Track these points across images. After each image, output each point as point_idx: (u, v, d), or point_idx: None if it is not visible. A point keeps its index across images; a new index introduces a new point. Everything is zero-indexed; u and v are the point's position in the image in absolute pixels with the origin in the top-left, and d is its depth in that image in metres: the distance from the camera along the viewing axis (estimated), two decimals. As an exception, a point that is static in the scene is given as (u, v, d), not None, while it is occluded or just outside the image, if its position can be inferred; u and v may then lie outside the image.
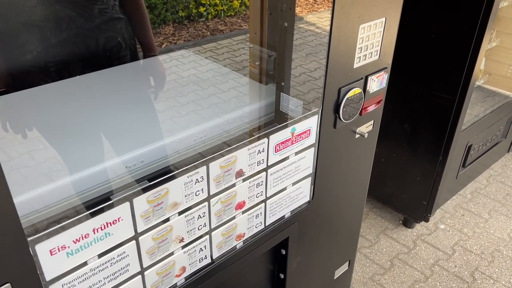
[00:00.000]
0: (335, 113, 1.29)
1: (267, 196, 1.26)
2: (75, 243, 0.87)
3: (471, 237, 2.59)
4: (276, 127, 1.18)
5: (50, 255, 0.84)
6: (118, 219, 0.93)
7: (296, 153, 1.27)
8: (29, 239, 0.79)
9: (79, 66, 1.15)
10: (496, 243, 2.54)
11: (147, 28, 1.35)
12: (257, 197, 1.23)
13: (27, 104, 1.13)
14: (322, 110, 1.25)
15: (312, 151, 1.31)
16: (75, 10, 1.10)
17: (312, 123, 1.25)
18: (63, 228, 0.84)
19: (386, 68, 1.37)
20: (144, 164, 1.18)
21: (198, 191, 1.07)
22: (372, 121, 1.46)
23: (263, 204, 1.26)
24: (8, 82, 1.07)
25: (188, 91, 1.60)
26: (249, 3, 1.59)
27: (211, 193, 1.10)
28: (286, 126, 1.20)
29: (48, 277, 0.86)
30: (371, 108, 1.40)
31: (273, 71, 1.48)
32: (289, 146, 1.23)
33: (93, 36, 1.17)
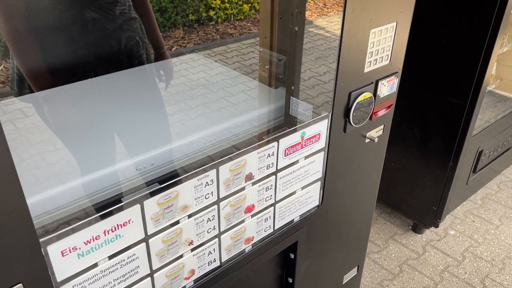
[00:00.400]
0: (345, 118, 1.29)
1: (276, 200, 1.26)
2: (86, 244, 0.88)
3: (482, 243, 2.56)
4: (286, 131, 1.18)
5: (61, 256, 0.85)
6: (129, 221, 0.94)
7: (306, 157, 1.27)
8: (41, 240, 0.80)
9: (105, 66, 1.21)
10: (507, 250, 2.51)
11: (155, 26, 1.39)
12: (266, 200, 1.23)
13: (46, 104, 1.15)
14: (332, 114, 1.25)
15: (321, 155, 1.31)
16: (99, 13, 1.15)
17: (322, 127, 1.25)
18: (75, 230, 0.85)
19: (396, 72, 1.37)
20: (154, 166, 1.19)
21: (208, 194, 1.07)
22: (382, 125, 1.45)
23: (272, 207, 1.26)
24: (45, 84, 1.13)
25: (198, 94, 1.61)
26: (259, 7, 1.60)
27: (220, 196, 1.10)
28: (296, 130, 1.20)
29: (59, 278, 0.86)
30: (381, 112, 1.39)
31: (283, 75, 1.48)
32: (298, 150, 1.23)
33: (116, 36, 1.22)
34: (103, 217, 0.90)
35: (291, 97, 1.40)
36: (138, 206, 0.94)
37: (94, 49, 1.18)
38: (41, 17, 1.08)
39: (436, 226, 2.49)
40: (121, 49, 1.23)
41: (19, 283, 0.79)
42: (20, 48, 1.11)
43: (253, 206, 1.20)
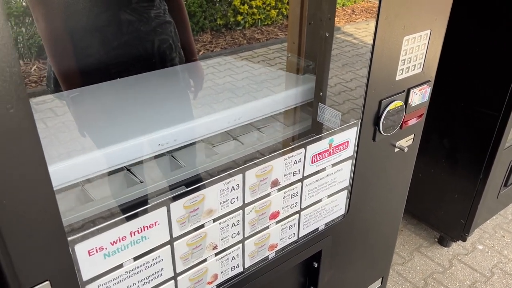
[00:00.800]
0: (374, 126, 1.26)
1: (302, 207, 1.24)
2: (112, 245, 0.88)
3: (511, 259, 2.47)
4: (314, 137, 1.16)
5: (88, 256, 0.85)
6: (155, 223, 0.94)
7: (333, 165, 1.25)
8: (69, 238, 0.81)
9: (137, 67, 1.23)
10: (538, 268, 2.42)
11: (189, 33, 1.39)
12: (291, 207, 1.21)
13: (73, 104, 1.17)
14: (361, 122, 1.23)
15: (349, 164, 1.28)
16: (134, 15, 1.17)
17: (350, 135, 1.23)
18: (102, 230, 0.86)
19: (429, 81, 1.34)
20: (176, 143, 1.15)
21: (234, 198, 1.06)
22: (413, 135, 1.42)
23: (297, 215, 1.24)
24: (76, 83, 1.16)
25: (223, 98, 1.61)
26: (289, 12, 1.59)
27: (246, 202, 1.09)
28: (323, 137, 1.18)
29: (85, 277, 0.87)
30: (412, 121, 1.36)
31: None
32: (326, 157, 1.21)
33: (150, 38, 1.23)
34: (129, 218, 0.90)
35: (319, 103, 1.38)
36: (164, 209, 0.94)
37: (128, 50, 1.20)
38: (78, 18, 1.11)
39: (464, 240, 2.42)
40: (154, 51, 1.25)
41: (46, 280, 0.80)
42: (57, 48, 1.14)
43: (278, 212, 1.18)
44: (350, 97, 1.41)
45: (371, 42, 1.15)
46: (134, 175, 1.21)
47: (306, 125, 1.46)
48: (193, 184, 1.00)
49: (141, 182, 1.20)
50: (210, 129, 1.20)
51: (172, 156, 1.33)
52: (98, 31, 1.15)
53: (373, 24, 1.13)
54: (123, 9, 1.15)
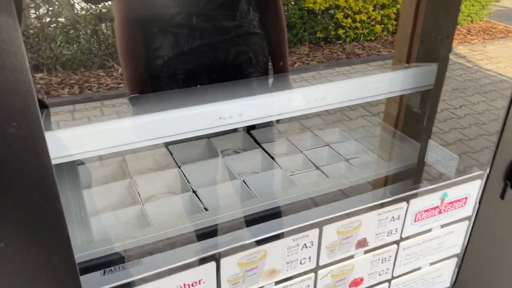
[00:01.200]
0: (506, 180, 0.94)
1: (394, 275, 0.96)
2: (140, 304, 0.70)
3: None
4: (422, 189, 0.88)
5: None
6: (199, 281, 0.74)
7: (442, 226, 0.95)
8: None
9: (206, 76, 1.17)
10: None
11: (284, 45, 1.30)
12: (380, 275, 0.94)
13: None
14: (489, 173, 0.92)
15: (464, 226, 0.98)
16: (208, 22, 1.11)
17: (471, 190, 0.93)
18: (127, 287, 0.67)
19: None
20: (242, 119, 0.89)
21: (304, 258, 0.82)
22: (557, 195, 1.06)
23: (387, 284, 0.96)
24: (142, 86, 1.15)
25: (313, 114, 1.47)
26: (398, 28, 1.39)
27: (320, 264, 0.85)
28: (434, 190, 0.90)
29: None
30: (558, 178, 1.01)
31: (419, 108, 1.20)
32: (435, 215, 0.92)
33: (224, 48, 1.16)
34: (168, 272, 0.71)
35: (430, 140, 1.09)
36: (213, 264, 0.73)
37: (198, 57, 1.13)
38: (153, 20, 1.10)
39: None
40: (227, 62, 1.15)
41: None
42: (129, 51, 1.14)
43: (362, 279, 0.92)
44: (458, 125, 1.28)
45: (487, 66, 0.87)
46: (199, 200, 1.04)
47: (407, 164, 1.18)
48: (252, 230, 0.78)
49: (206, 210, 1.01)
50: (284, 108, 0.93)
51: (243, 181, 1.14)
52: (170, 33, 1.10)
53: (491, 47, 0.86)
54: (198, 14, 1.09)
